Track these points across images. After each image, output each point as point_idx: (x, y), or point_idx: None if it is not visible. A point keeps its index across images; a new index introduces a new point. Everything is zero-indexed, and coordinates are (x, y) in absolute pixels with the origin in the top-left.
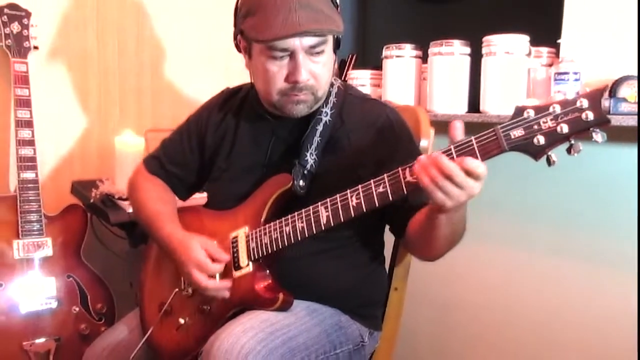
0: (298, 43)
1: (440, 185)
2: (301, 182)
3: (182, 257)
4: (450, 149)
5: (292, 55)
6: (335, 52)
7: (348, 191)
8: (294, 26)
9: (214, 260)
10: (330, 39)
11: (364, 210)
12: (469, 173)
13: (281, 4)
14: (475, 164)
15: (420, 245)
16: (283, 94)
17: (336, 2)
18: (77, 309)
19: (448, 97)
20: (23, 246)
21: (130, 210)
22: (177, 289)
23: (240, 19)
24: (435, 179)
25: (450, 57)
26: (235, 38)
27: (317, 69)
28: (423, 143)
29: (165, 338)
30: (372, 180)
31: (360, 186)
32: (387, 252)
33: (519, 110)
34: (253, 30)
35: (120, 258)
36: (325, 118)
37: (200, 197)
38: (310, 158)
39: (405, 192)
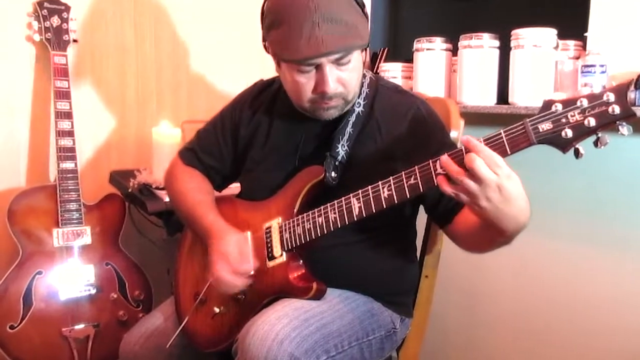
0: (324, 58)
1: (460, 181)
2: (333, 174)
3: (214, 246)
4: (480, 140)
5: (319, 67)
6: (365, 49)
7: (379, 182)
8: (318, 46)
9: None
10: None
11: (395, 201)
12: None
13: (303, 19)
14: (472, 157)
15: (469, 244)
16: (313, 102)
17: (361, 2)
18: (116, 295)
19: (477, 89)
20: (63, 234)
21: (167, 199)
22: (212, 278)
23: (265, 29)
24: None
25: (480, 50)
26: (263, 42)
27: (345, 76)
28: (453, 134)
29: (200, 326)
30: (403, 172)
31: (391, 178)
32: (418, 240)
33: (547, 104)
34: (278, 46)
35: (157, 246)
36: (358, 109)
37: (234, 187)
38: (342, 149)
39: (436, 184)
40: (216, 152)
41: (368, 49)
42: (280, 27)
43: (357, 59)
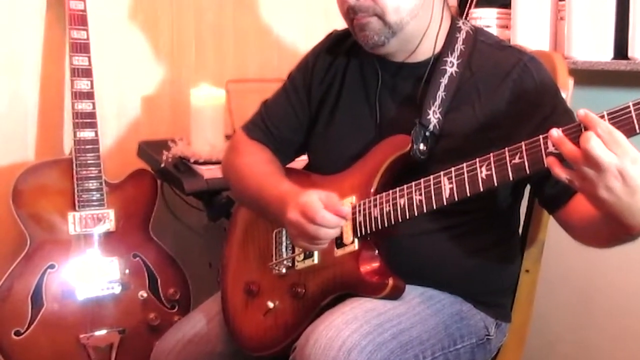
0: None
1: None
2: (421, 146)
3: (290, 205)
4: (603, 116)
5: None
6: None
7: (477, 160)
8: None
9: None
10: None
11: (495, 184)
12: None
13: None
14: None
15: (585, 237)
16: (350, 20)
17: None
18: (145, 294)
19: (590, 41)
20: (80, 219)
21: (207, 176)
22: (269, 263)
23: None
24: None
25: None
26: None
27: None
28: None
29: (250, 325)
30: (506, 149)
31: (492, 155)
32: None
33: None
34: None
35: (197, 234)
36: (451, 69)
37: (299, 160)
38: (434, 117)
39: (546, 166)
40: (291, 120)
41: None
42: None
43: None
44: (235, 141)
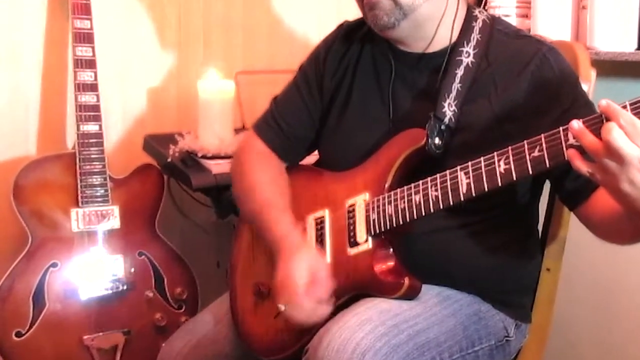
0: None
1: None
2: (437, 140)
3: (281, 264)
4: (625, 106)
5: None
6: None
7: (495, 154)
8: None
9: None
10: None
11: (514, 178)
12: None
13: None
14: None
15: (607, 234)
16: (360, 1)
17: None
18: (151, 294)
19: (613, 31)
20: (83, 216)
21: (215, 171)
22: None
23: None
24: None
25: None
26: None
27: None
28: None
29: (260, 328)
30: (525, 142)
31: (510, 148)
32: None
33: None
34: None
35: (204, 231)
36: (467, 59)
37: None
38: (449, 110)
39: (566, 159)
40: (303, 115)
41: None
42: None
43: None
44: (244, 145)
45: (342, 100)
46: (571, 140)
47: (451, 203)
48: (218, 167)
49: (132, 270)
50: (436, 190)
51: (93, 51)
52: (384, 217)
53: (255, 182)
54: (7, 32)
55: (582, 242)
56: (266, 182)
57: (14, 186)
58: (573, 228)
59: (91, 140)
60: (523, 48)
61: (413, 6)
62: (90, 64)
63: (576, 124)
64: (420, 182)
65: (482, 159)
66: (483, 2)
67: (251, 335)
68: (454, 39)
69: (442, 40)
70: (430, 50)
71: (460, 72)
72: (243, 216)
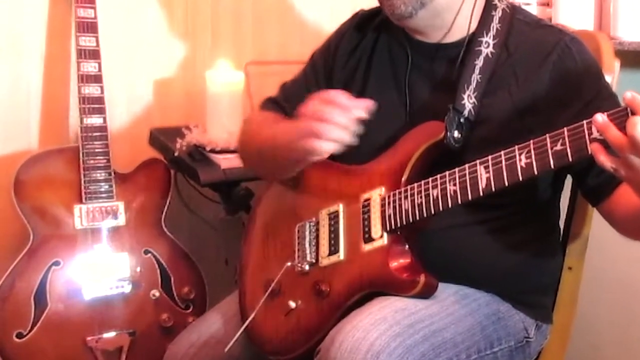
0: None
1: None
2: (456, 133)
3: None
4: None
5: None
6: None
7: (516, 147)
8: None
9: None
10: None
11: (535, 172)
12: None
13: None
14: None
15: (631, 230)
16: None
17: None
18: (157, 293)
19: (638, 20)
20: (87, 213)
21: (224, 166)
22: (289, 263)
23: None
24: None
25: None
26: None
27: None
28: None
29: (270, 327)
30: (547, 135)
31: (531, 142)
32: (560, 221)
33: None
34: None
35: (213, 228)
36: (487, 50)
37: None
38: (469, 102)
39: (590, 153)
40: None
41: None
42: None
43: None
44: (247, 117)
45: (357, 92)
46: (595, 134)
47: (470, 198)
48: (227, 161)
49: (138, 269)
50: (455, 184)
51: (97, 41)
52: (400, 212)
53: (258, 121)
54: (8, 21)
55: (606, 239)
56: (268, 117)
57: (14, 181)
58: (596, 225)
59: (95, 134)
60: (544, 38)
61: None
62: (94, 54)
63: (600, 118)
64: (438, 176)
65: (502, 152)
66: None
67: (261, 335)
68: (473, 28)
69: (460, 29)
70: (448, 40)
71: (479, 62)
72: (260, 168)
